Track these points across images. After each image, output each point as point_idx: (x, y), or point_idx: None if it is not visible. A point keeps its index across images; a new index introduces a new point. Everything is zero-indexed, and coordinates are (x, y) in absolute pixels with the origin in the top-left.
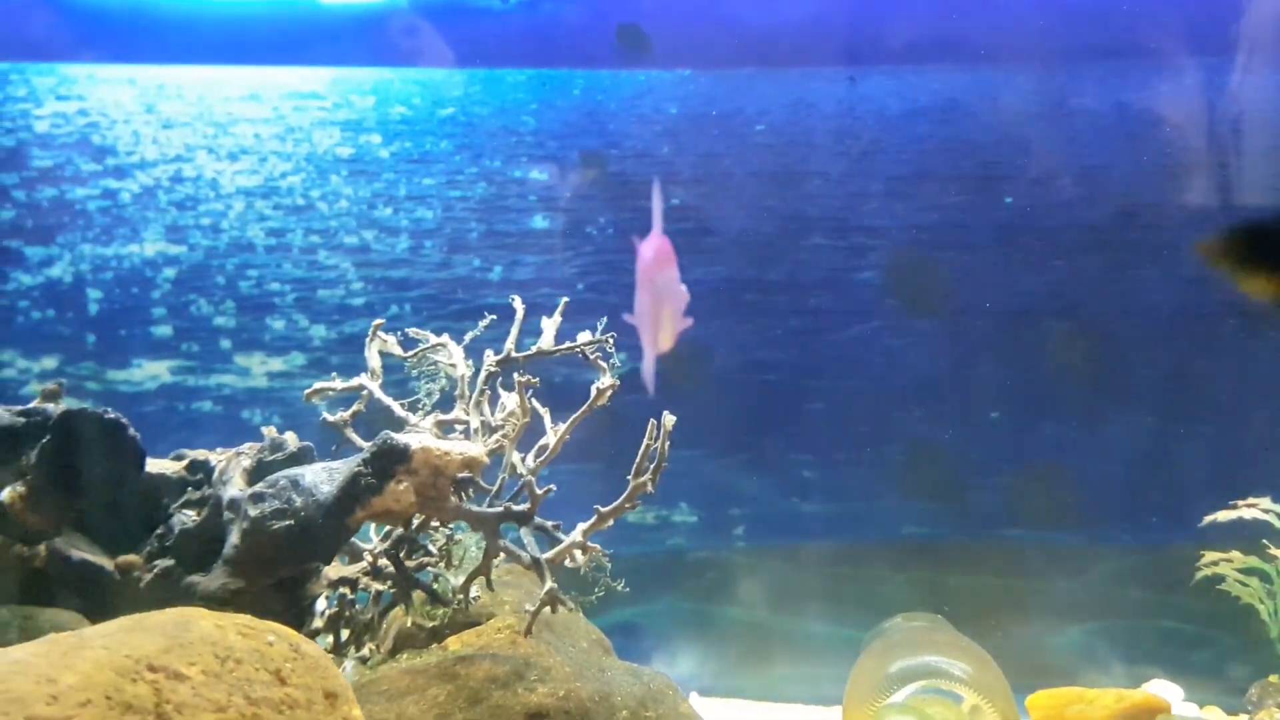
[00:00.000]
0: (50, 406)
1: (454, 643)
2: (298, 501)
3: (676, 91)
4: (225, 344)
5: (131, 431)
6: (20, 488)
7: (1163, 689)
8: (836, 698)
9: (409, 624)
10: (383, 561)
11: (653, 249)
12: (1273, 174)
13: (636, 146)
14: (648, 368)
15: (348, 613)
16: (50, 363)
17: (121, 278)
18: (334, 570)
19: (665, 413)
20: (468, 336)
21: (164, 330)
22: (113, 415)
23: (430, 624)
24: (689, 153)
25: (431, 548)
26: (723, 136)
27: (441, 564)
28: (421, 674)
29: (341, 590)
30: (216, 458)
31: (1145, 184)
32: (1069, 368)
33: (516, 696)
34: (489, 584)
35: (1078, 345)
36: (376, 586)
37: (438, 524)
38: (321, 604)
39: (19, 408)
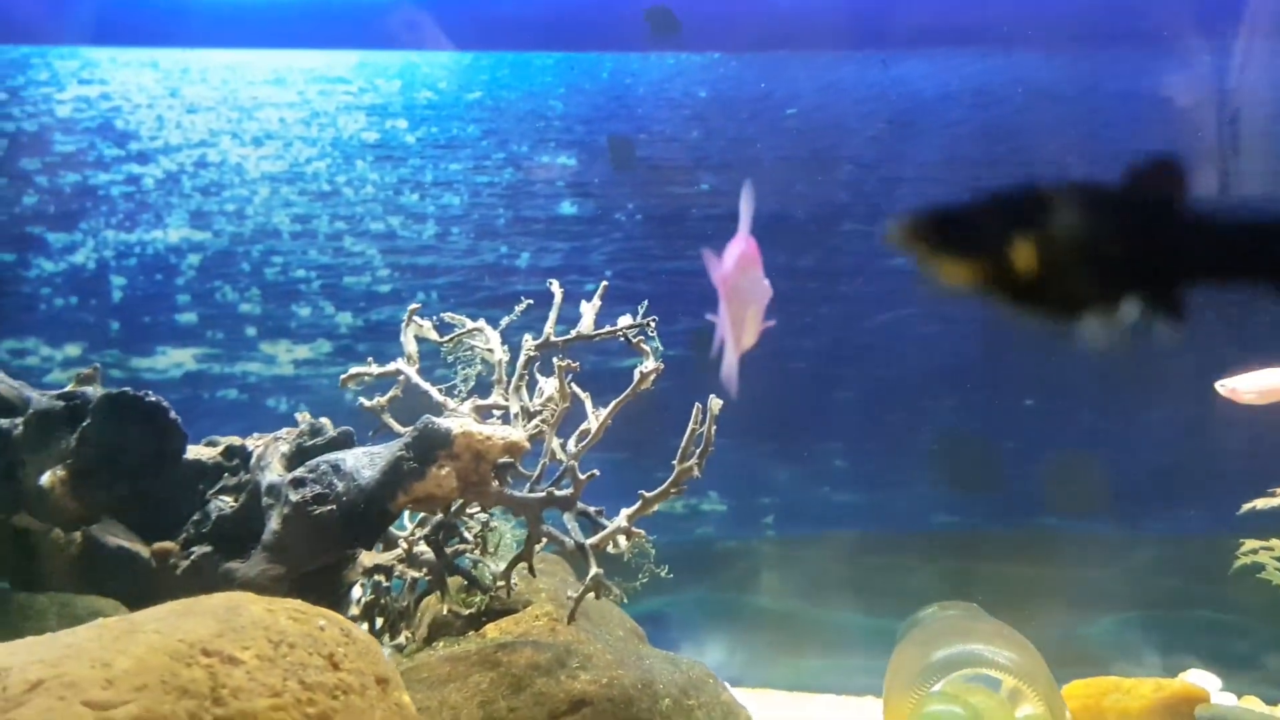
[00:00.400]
0: (89, 390)
1: (492, 630)
2: (339, 486)
3: (706, 75)
4: (250, 331)
5: (173, 415)
6: (61, 472)
7: (1200, 678)
8: (867, 688)
9: (444, 611)
10: (418, 548)
11: (740, 248)
12: None
13: (665, 131)
14: (730, 369)
15: (383, 600)
16: (74, 350)
17: (145, 264)
18: (369, 557)
19: (711, 397)
20: (503, 321)
21: (188, 317)
22: (154, 398)
23: (467, 611)
24: (719, 137)
25: (467, 534)
26: (753, 120)
27: (476, 550)
28: (463, 661)
29: (377, 577)
30: (253, 443)
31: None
32: (1103, 354)
33: (560, 684)
34: (531, 570)
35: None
36: (412, 574)
37: (472, 511)
38: (357, 591)
39: (57, 391)
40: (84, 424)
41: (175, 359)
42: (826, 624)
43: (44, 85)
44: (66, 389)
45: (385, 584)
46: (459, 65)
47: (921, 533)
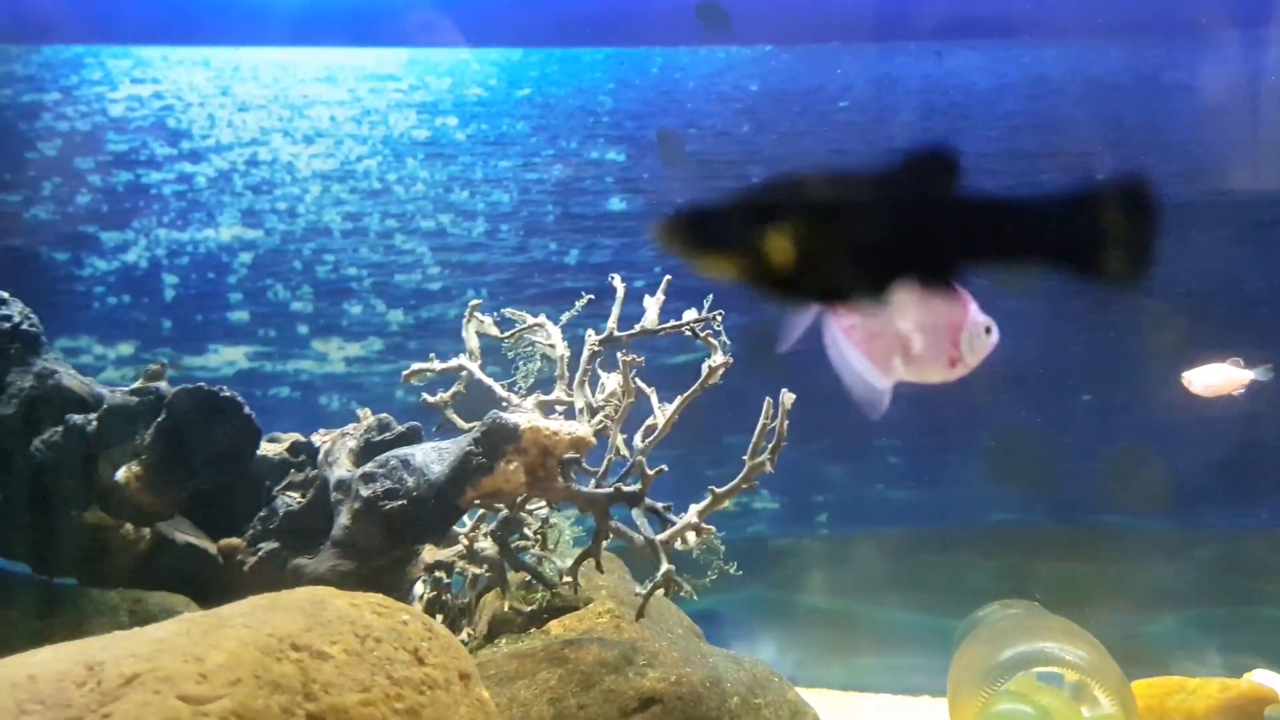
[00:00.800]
0: (162, 385)
1: (556, 627)
2: (409, 481)
3: (757, 68)
4: (302, 329)
5: (247, 410)
6: (136, 467)
7: (1267, 679)
8: (923, 688)
9: (505, 608)
10: (478, 545)
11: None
12: None
13: (716, 125)
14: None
15: (444, 597)
16: (126, 349)
17: (197, 262)
18: (430, 553)
19: (784, 391)
20: (564, 316)
21: (241, 315)
22: (229, 393)
23: (528, 608)
24: (770, 131)
25: (527, 531)
26: (805, 114)
27: (536, 547)
28: (529, 658)
29: (438, 574)
30: (320, 439)
31: (1239, 159)
32: (1164, 348)
33: (628, 681)
34: (599, 565)
35: (1173, 325)
36: (473, 570)
37: (531, 508)
38: (419, 588)
39: (130, 387)
40: (159, 419)
41: (227, 357)
42: (881, 622)
43: (97, 84)
44: (136, 385)
45: (446, 580)
46: (509, 62)
47: (978, 529)
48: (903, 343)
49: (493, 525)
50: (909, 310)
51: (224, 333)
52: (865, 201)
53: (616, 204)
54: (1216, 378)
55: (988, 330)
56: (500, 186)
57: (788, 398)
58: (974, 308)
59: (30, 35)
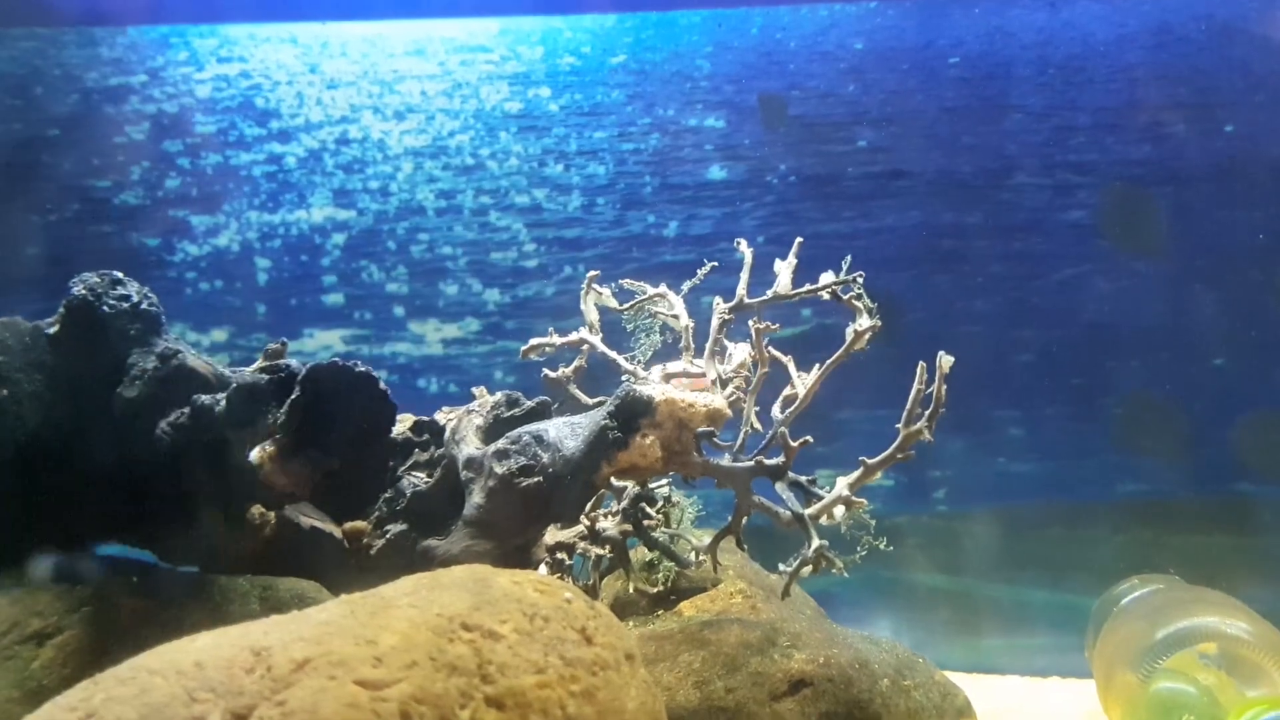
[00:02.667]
0: (293, 363)
1: (687, 608)
2: (544, 458)
3: (862, 25)
4: (398, 311)
5: (383, 386)
6: (270, 447)
7: None
8: (1052, 668)
9: (629, 590)
10: (600, 524)
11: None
12: None
13: (819, 86)
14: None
15: (565, 579)
16: (220, 335)
17: (290, 245)
18: (552, 534)
19: (941, 354)
20: (686, 286)
21: (335, 298)
22: (364, 368)
23: (653, 590)
24: (877, 90)
25: (649, 510)
26: (913, 71)
27: (661, 526)
28: (668, 640)
29: (559, 555)
30: (444, 417)
31: None
32: None
33: (775, 663)
34: (739, 542)
35: None
36: (596, 551)
37: (652, 485)
38: (542, 570)
39: (258, 365)
40: (294, 395)
41: (323, 340)
42: (1004, 601)
43: (183, 65)
44: (260, 364)
45: (567, 562)
46: (602, 28)
47: (1106, 503)
48: None
49: (623, 504)
50: None
51: (319, 316)
52: None
53: (717, 172)
54: None
55: None
56: (595, 158)
57: (945, 360)
58: None
59: (115, 17)
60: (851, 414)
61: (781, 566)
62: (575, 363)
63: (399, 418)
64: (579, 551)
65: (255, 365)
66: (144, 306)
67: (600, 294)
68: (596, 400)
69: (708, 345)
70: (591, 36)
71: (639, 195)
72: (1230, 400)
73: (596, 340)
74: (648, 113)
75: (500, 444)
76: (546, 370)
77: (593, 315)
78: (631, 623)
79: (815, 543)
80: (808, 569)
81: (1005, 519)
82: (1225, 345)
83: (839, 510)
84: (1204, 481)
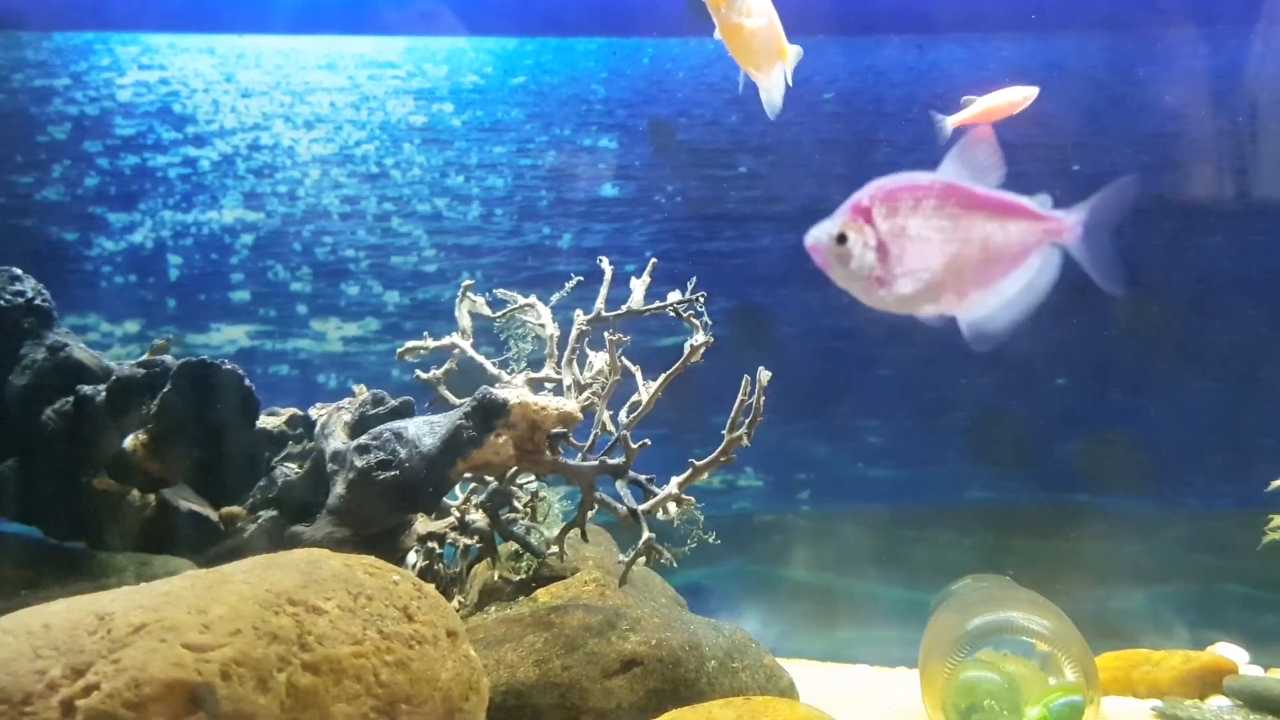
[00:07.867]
0: (167, 359)
1: (543, 595)
2: (402, 453)
3: None
4: (301, 309)
5: (248, 383)
6: (143, 435)
7: (1228, 651)
8: (901, 659)
9: (495, 578)
10: (470, 516)
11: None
12: None
13: (705, 115)
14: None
15: (436, 566)
16: (132, 326)
17: (201, 244)
18: (423, 524)
19: (760, 368)
20: (554, 297)
21: (242, 295)
22: (230, 366)
23: (517, 577)
24: (758, 121)
25: (517, 504)
26: (791, 104)
27: (526, 519)
28: (517, 623)
29: (430, 544)
30: (316, 413)
31: (1209, 145)
32: (1136, 333)
33: (611, 644)
34: (584, 535)
35: (1145, 311)
36: (464, 541)
37: (521, 481)
38: (412, 558)
39: (137, 360)
40: (164, 390)
41: (229, 335)
42: (860, 596)
43: (106, 70)
44: (143, 359)
45: (438, 551)
46: (504, 51)
47: (955, 508)
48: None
49: (483, 497)
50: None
51: (226, 312)
52: None
53: (609, 190)
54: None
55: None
56: (495, 172)
57: (764, 375)
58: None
59: (42, 22)
60: (723, 419)
61: (620, 557)
62: (446, 365)
63: (279, 411)
64: (449, 541)
65: (139, 359)
66: (37, 302)
67: (474, 301)
68: (463, 401)
69: (565, 353)
70: (494, 58)
71: (535, 208)
72: (1071, 417)
73: (466, 345)
74: (545, 131)
75: (363, 439)
76: (419, 371)
77: (465, 321)
78: (494, 607)
79: (646, 535)
80: (642, 559)
81: (863, 520)
82: (1068, 367)
83: (671, 506)
84: (1044, 491)
